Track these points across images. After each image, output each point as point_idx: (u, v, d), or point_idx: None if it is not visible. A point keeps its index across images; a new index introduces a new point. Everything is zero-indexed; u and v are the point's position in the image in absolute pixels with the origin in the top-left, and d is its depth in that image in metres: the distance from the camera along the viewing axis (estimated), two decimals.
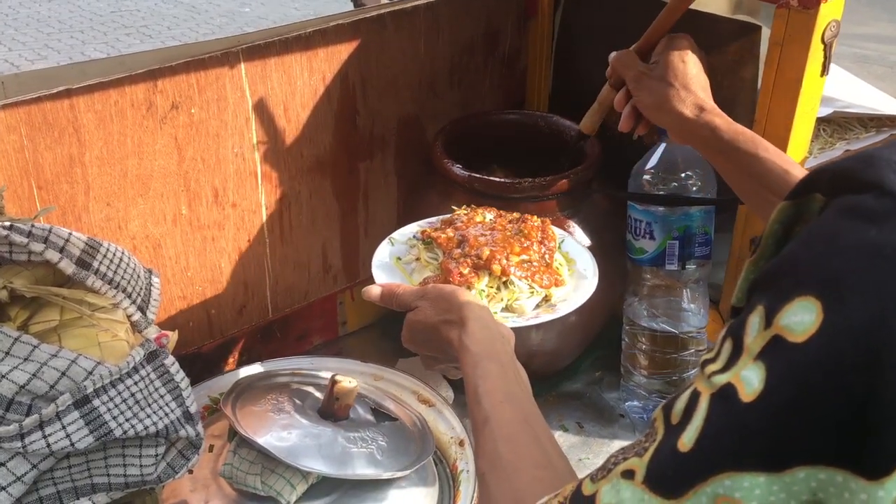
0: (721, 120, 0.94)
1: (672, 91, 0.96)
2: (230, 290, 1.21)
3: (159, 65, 1.01)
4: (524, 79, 1.42)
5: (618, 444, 1.16)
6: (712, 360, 0.47)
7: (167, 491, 1.00)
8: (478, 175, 1.15)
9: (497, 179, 1.14)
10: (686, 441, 0.45)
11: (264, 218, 1.20)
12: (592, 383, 1.28)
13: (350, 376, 1.05)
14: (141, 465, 0.71)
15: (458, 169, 1.16)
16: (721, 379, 0.45)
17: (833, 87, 1.24)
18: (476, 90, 1.36)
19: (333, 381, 1.04)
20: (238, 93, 1.09)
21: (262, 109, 1.13)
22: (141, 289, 0.82)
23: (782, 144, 1.05)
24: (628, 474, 0.47)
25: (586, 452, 1.15)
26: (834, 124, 1.33)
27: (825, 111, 1.26)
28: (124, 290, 0.79)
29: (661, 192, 1.10)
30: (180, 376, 0.73)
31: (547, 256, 1.02)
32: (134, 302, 0.80)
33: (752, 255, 0.52)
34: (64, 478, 0.69)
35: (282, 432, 0.99)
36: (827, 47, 1.00)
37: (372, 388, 1.17)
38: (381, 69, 1.23)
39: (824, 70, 1.02)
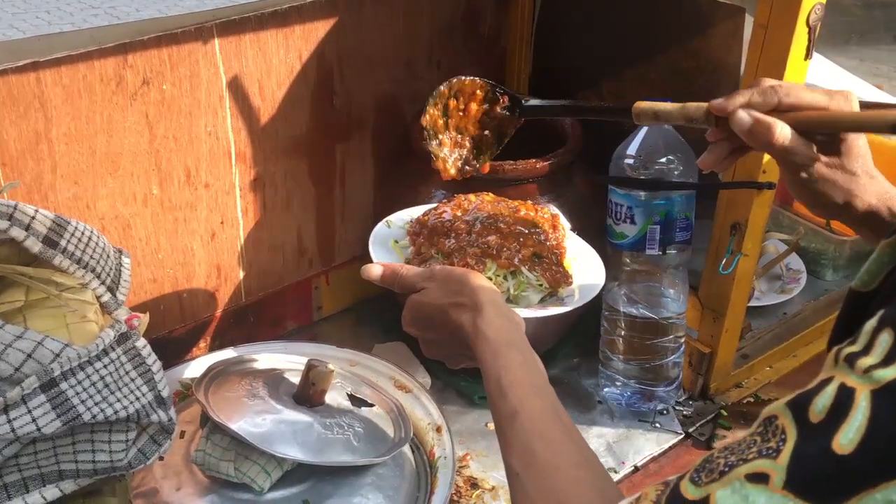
0: None
1: (858, 182, 0.78)
2: (202, 273, 1.18)
3: (130, 39, 0.98)
4: (504, 60, 1.40)
5: (596, 430, 1.15)
6: (863, 353, 0.43)
7: (137, 478, 0.97)
8: None
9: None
10: (844, 442, 0.41)
11: (238, 199, 1.17)
12: (570, 369, 1.27)
13: (326, 361, 1.03)
14: (111, 451, 0.68)
15: None
16: (886, 374, 0.41)
17: (812, 74, 1.23)
18: (455, 71, 1.32)
19: (309, 367, 1.02)
20: (212, 69, 1.06)
21: (236, 87, 1.10)
22: (111, 269, 0.79)
23: None
24: (757, 478, 0.44)
25: None
26: None
27: None
28: (93, 270, 0.76)
29: (642, 177, 1.09)
30: (152, 359, 0.71)
31: (557, 254, 1.00)
32: (103, 282, 0.77)
33: (889, 237, 0.48)
34: (30, 464, 0.66)
35: (256, 418, 0.96)
36: (811, 31, 0.99)
37: (348, 374, 1.15)
38: (358, 48, 1.20)
39: (808, 54, 1.01)
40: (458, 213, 1.02)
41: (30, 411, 0.64)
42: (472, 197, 1.05)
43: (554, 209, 1.12)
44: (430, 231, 1.00)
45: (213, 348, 1.21)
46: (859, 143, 0.78)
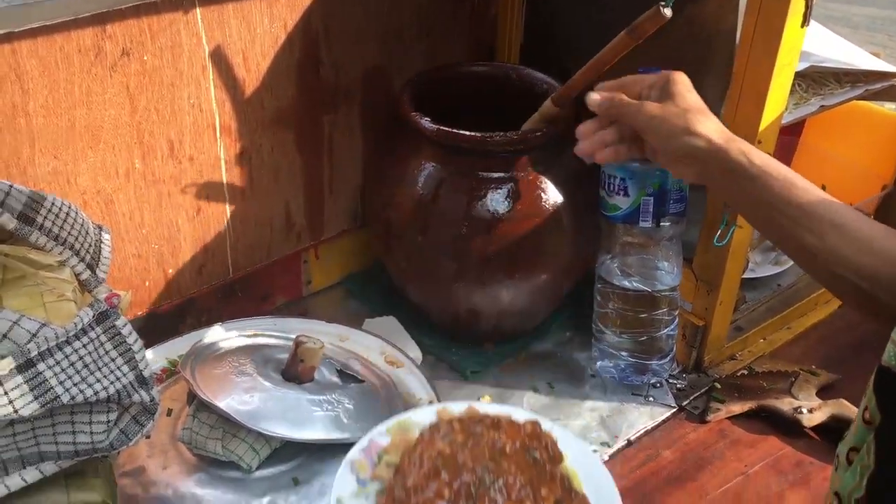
0: (749, 145, 0.86)
1: (692, 116, 0.87)
2: (188, 249, 1.16)
3: (108, 8, 0.95)
4: (494, 29, 1.37)
5: (589, 404, 1.14)
6: None
7: (123, 457, 0.96)
8: (447, 128, 1.10)
9: (467, 133, 1.09)
10: None
11: (223, 172, 1.14)
12: (563, 343, 1.25)
13: (315, 337, 1.02)
14: (91, 433, 0.67)
15: (426, 122, 1.11)
16: None
17: (808, 42, 1.21)
18: (445, 40, 1.31)
19: (297, 343, 1.00)
20: (194, 39, 1.03)
21: (219, 58, 1.07)
22: (90, 246, 0.77)
23: (760, 98, 1.01)
24: None
25: (557, 413, 1.13)
26: (808, 79, 1.30)
27: (801, 66, 1.23)
28: (72, 247, 0.74)
29: None
30: (133, 338, 0.69)
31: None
32: (82, 260, 0.75)
33: None
34: (8, 446, 0.65)
35: (244, 395, 0.95)
36: None
37: (338, 349, 1.13)
38: (345, 17, 1.17)
39: (805, 21, 0.99)
40: (430, 477, 0.81)
41: (6, 393, 0.62)
42: (440, 444, 0.84)
43: (528, 414, 0.92)
44: None
45: (200, 324, 1.19)
46: (682, 92, 0.90)
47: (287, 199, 1.23)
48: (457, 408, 0.91)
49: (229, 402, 0.93)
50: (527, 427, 0.87)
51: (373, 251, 1.31)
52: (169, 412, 1.00)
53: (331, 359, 1.08)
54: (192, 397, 0.98)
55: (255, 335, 1.12)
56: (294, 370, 1.00)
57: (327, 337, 1.12)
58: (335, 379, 1.05)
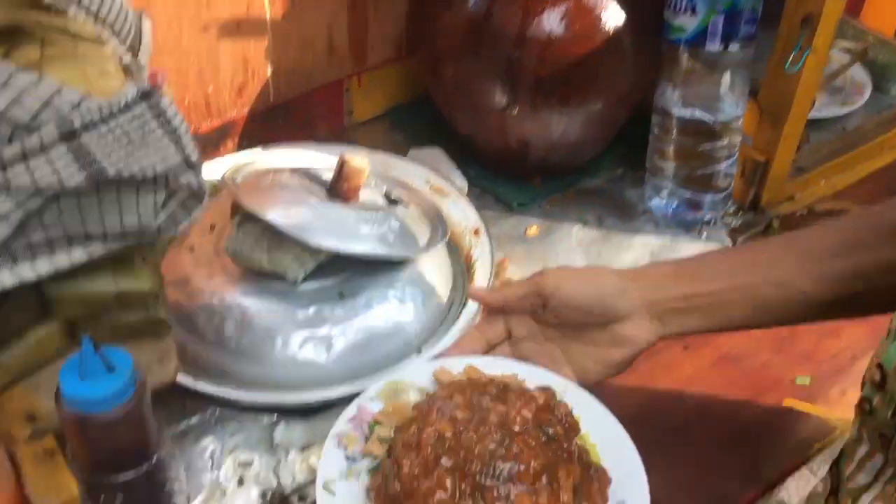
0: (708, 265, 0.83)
1: (621, 273, 0.83)
2: (228, 67, 1.11)
3: None
4: None
5: (640, 239, 1.11)
6: None
7: (167, 267, 0.93)
8: None
9: None
10: None
11: None
12: (614, 180, 1.21)
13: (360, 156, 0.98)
14: (139, 213, 0.64)
15: None
16: None
17: None
18: None
19: (342, 162, 0.97)
20: None
21: None
22: (130, 29, 0.72)
23: None
24: None
25: (607, 247, 1.09)
26: None
27: None
28: (111, 27, 0.70)
29: None
30: (178, 120, 0.65)
31: (596, 473, 0.72)
32: (123, 41, 0.71)
33: None
34: (54, 223, 0.62)
35: (289, 209, 0.92)
36: None
37: (382, 176, 1.10)
38: None
39: None
40: (429, 466, 0.68)
41: (51, 162, 0.59)
42: (440, 424, 0.70)
43: (537, 372, 0.81)
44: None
45: (240, 148, 1.15)
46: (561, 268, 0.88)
47: (329, 20, 1.17)
48: (455, 366, 0.80)
49: (274, 214, 0.90)
50: (539, 399, 0.74)
51: (419, 84, 1.25)
52: (212, 228, 0.98)
53: (376, 182, 1.04)
54: (235, 211, 0.95)
55: (298, 158, 1.09)
56: (339, 189, 0.97)
57: (371, 165, 1.08)
58: (380, 201, 1.02)
